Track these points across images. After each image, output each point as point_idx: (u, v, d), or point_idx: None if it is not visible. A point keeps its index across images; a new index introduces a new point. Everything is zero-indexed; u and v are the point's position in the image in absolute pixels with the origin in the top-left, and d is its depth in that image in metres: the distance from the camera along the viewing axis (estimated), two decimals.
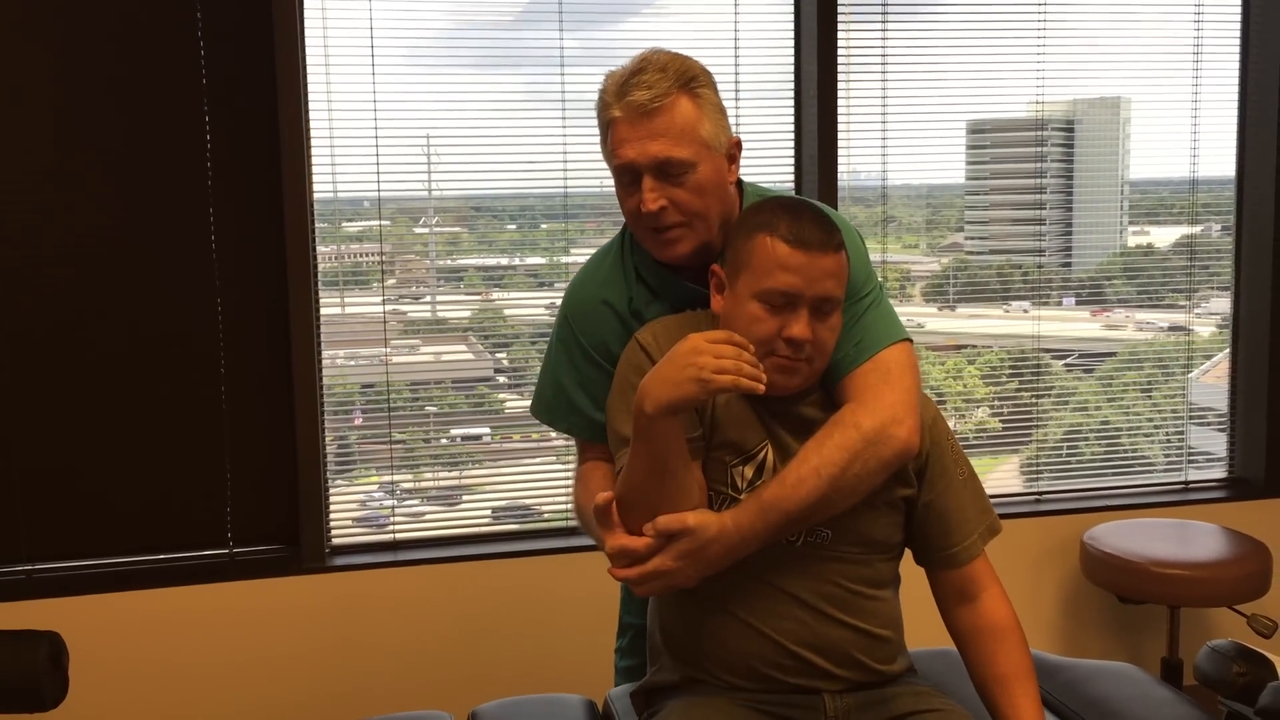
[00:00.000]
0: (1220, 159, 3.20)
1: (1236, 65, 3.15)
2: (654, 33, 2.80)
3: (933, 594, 1.61)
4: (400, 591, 2.70)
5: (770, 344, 1.43)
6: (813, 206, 1.50)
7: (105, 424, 2.60)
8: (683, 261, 1.55)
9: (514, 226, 2.97)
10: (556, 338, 1.70)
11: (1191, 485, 3.22)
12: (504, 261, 2.96)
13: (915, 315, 3.23)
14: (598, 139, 1.61)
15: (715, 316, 1.53)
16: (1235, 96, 3.16)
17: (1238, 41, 3.14)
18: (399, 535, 2.80)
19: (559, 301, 1.73)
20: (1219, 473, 3.27)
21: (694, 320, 1.55)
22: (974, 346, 3.23)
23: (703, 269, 1.55)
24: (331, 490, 2.78)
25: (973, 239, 3.26)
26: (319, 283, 2.69)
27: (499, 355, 2.99)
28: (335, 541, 2.76)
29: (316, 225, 2.69)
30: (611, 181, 1.58)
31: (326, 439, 2.76)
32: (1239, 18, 3.13)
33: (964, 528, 1.58)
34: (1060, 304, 3.22)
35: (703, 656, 1.53)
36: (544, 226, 2.92)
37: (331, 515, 2.76)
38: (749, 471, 1.48)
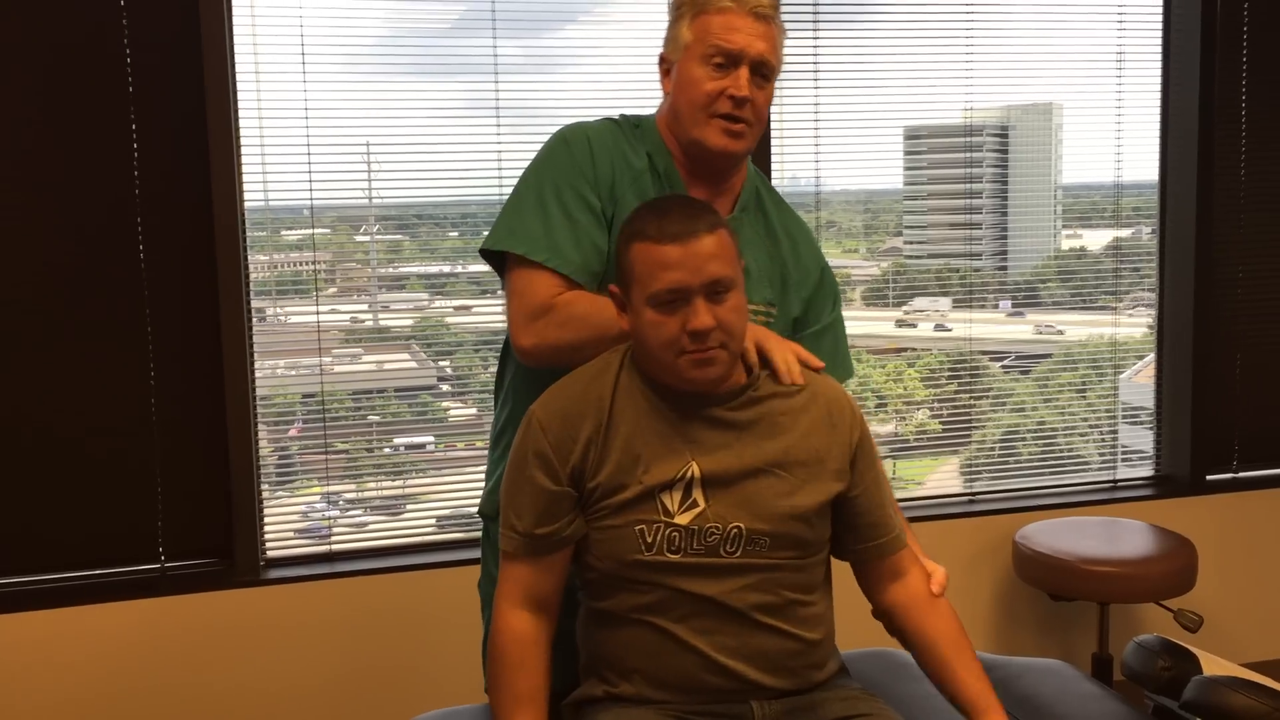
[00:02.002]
0: (1147, 164, 3.28)
1: (1159, 71, 3.23)
2: (588, 40, 2.81)
3: (858, 580, 1.63)
4: (338, 604, 2.67)
5: (677, 343, 1.43)
6: (681, 196, 1.53)
7: (31, 436, 2.55)
8: (731, 158, 1.66)
9: (456, 234, 2.96)
10: (538, 166, 1.68)
11: (1120, 484, 3.28)
12: (446, 269, 2.95)
13: (863, 317, 3.27)
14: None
15: (609, 362, 1.53)
16: (1158, 102, 3.24)
17: (1159, 48, 3.21)
18: (336, 547, 2.77)
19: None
20: (1147, 470, 3.34)
21: (585, 379, 1.53)
22: (914, 349, 3.27)
23: (718, 182, 1.69)
24: (268, 502, 2.75)
25: (911, 243, 3.30)
26: (251, 291, 2.66)
27: (442, 363, 2.98)
28: (270, 554, 2.73)
29: (252, 234, 2.66)
30: None
31: (264, 450, 2.73)
32: (1160, 25, 3.20)
33: (893, 518, 1.61)
34: (996, 307, 3.28)
35: (631, 672, 1.53)
36: (485, 234, 2.91)
37: (268, 527, 2.73)
38: (677, 495, 1.47)
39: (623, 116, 1.75)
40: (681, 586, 1.47)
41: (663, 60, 1.71)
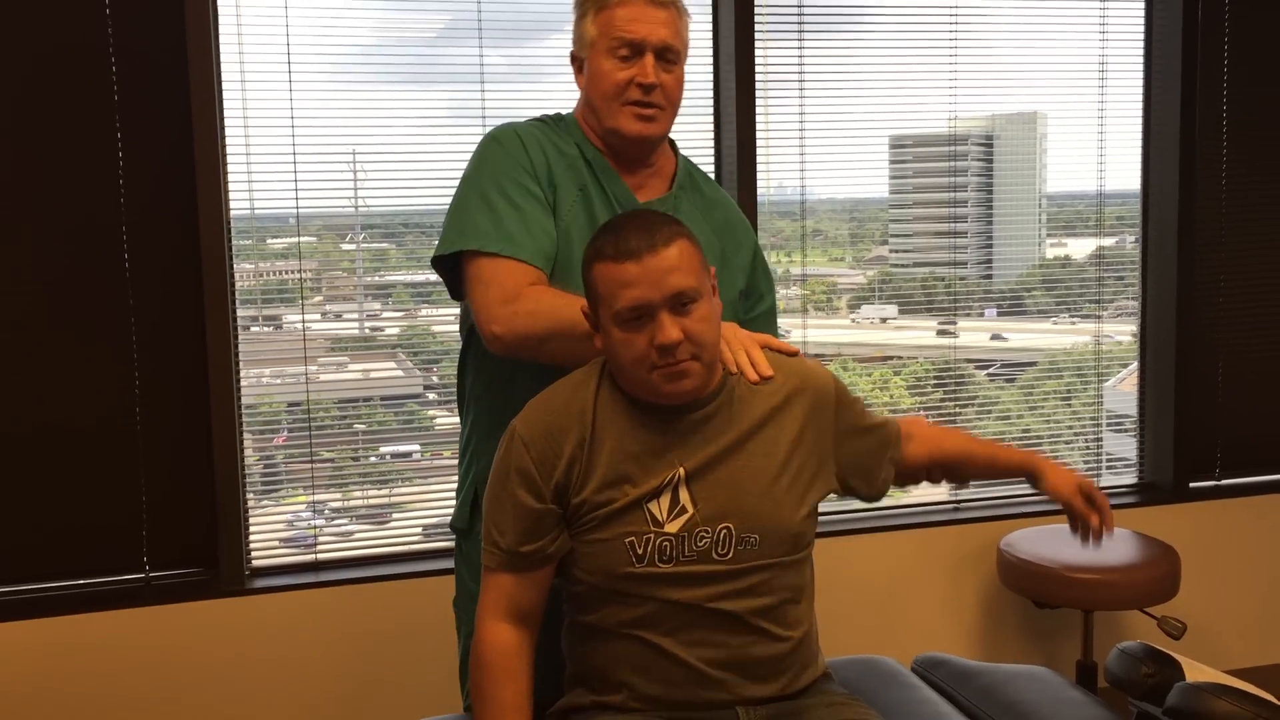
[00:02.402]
0: (1130, 173, 3.30)
1: (1140, 81, 3.25)
2: None
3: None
4: (323, 613, 2.66)
5: (647, 359, 1.43)
6: (638, 212, 1.53)
7: (14, 444, 2.54)
8: (648, 143, 1.72)
9: None
10: (474, 168, 1.72)
11: (1104, 491, 3.29)
12: (433, 277, 2.95)
13: (846, 327, 3.27)
14: None
15: (589, 374, 1.53)
16: (1140, 112, 3.26)
17: (1141, 59, 3.24)
18: (322, 555, 2.76)
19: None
20: (1130, 478, 3.36)
21: (567, 392, 1.52)
22: (899, 358, 3.28)
23: (644, 165, 1.74)
24: (253, 511, 2.74)
25: (897, 251, 3.31)
26: (236, 300, 2.66)
27: (429, 371, 2.97)
28: (256, 563, 2.72)
29: (237, 242, 2.66)
30: None
31: (250, 459, 2.72)
32: (1142, 36, 3.23)
33: (881, 422, 1.66)
34: (982, 315, 3.29)
35: (619, 685, 1.53)
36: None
37: (253, 536, 2.72)
38: (665, 502, 1.47)
39: (545, 115, 1.80)
40: (672, 597, 1.47)
41: (574, 58, 1.76)
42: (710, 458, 1.49)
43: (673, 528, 1.46)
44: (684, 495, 1.47)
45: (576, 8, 1.74)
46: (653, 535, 1.46)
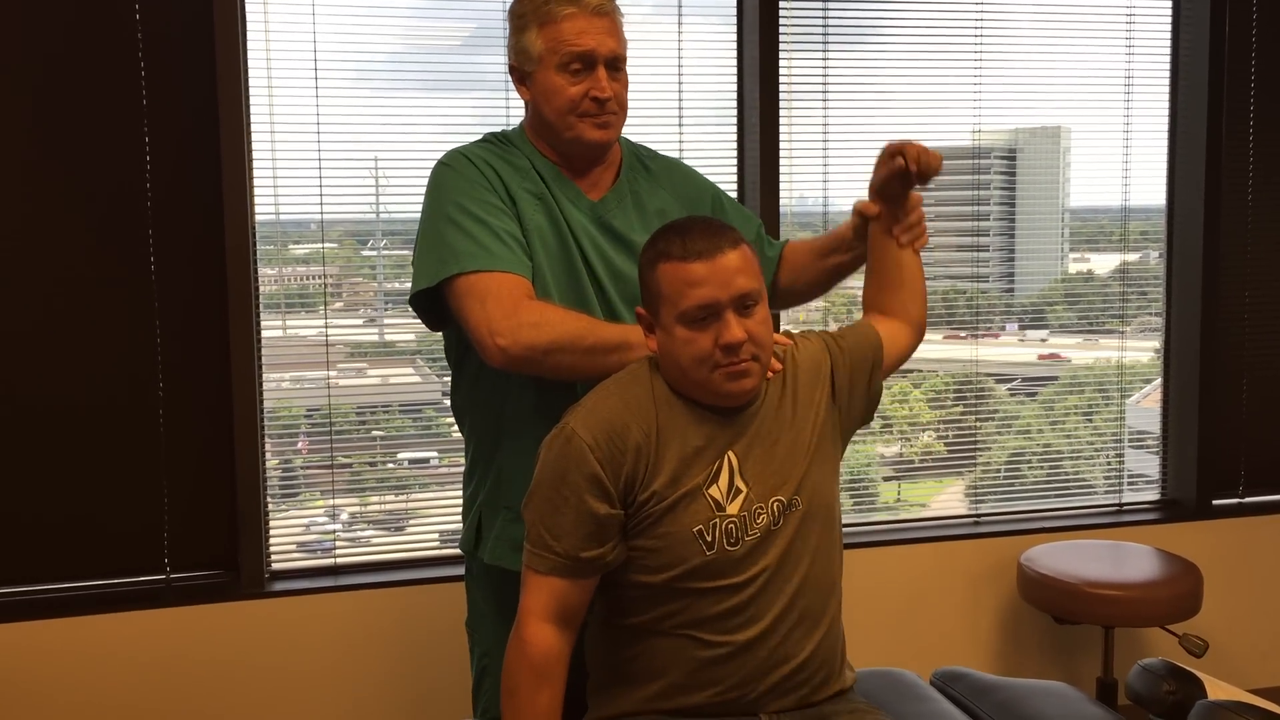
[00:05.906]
0: (1155, 188, 3.29)
1: (1167, 96, 3.24)
2: None
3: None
4: (341, 617, 2.67)
5: (711, 358, 1.46)
6: (701, 218, 1.57)
7: (38, 446, 2.56)
8: (602, 148, 1.75)
9: None
10: (432, 198, 1.73)
11: (1125, 507, 3.28)
12: None
13: None
14: None
15: (635, 375, 1.55)
16: (1165, 127, 3.24)
17: (1168, 73, 3.23)
18: (340, 560, 2.78)
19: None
20: (1153, 495, 3.33)
21: (618, 391, 1.54)
22: (919, 371, 3.27)
23: (596, 165, 1.77)
24: (273, 515, 2.75)
25: None
26: (260, 305, 2.68)
27: (446, 378, 2.98)
28: (275, 566, 2.73)
29: (261, 248, 2.68)
30: None
31: (269, 463, 2.73)
32: (1168, 50, 3.22)
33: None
34: (1004, 329, 3.28)
35: (654, 684, 1.53)
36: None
37: (273, 540, 2.73)
38: (723, 484, 1.50)
39: (488, 135, 1.82)
40: (734, 580, 1.49)
41: (513, 70, 1.77)
42: (753, 441, 1.53)
43: (733, 509, 1.49)
44: (737, 478, 1.51)
45: (514, 19, 1.74)
46: (718, 520, 1.49)
